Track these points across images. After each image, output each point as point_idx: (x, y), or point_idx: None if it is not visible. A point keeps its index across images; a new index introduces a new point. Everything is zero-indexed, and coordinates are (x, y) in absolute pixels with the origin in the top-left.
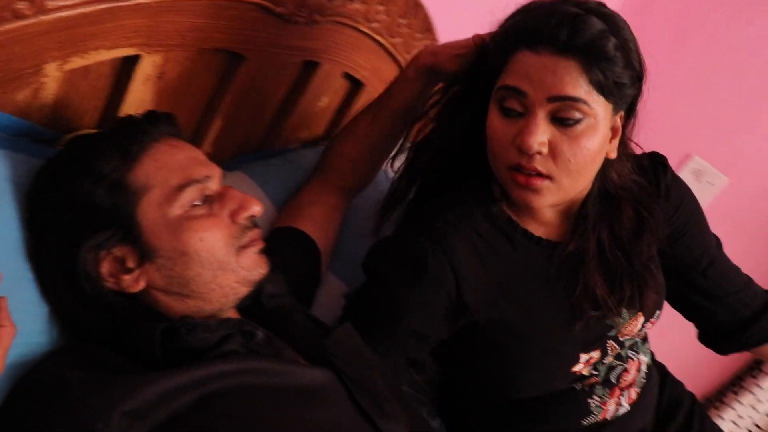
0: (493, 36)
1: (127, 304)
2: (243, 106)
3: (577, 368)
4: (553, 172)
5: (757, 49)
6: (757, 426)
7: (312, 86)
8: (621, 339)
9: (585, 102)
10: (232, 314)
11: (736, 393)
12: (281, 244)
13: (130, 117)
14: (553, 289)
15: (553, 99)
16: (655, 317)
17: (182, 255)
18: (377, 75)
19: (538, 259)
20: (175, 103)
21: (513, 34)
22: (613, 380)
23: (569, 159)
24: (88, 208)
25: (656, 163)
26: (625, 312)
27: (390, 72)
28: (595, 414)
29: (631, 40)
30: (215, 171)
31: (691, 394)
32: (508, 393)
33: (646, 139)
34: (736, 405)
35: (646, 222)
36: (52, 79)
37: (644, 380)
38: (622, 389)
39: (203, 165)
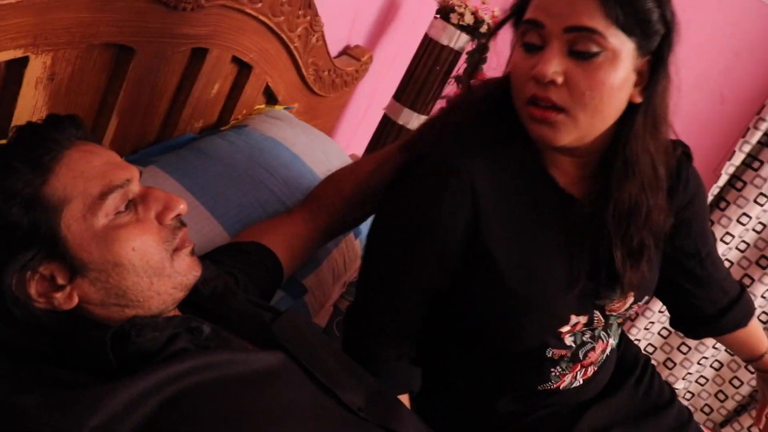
0: None
1: (62, 321)
2: (137, 100)
3: (564, 329)
4: (568, 104)
5: None
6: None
7: (203, 74)
8: (607, 313)
9: (601, 34)
10: (174, 313)
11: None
12: (250, 257)
13: (32, 125)
14: (564, 243)
15: (569, 29)
16: (643, 301)
17: (115, 266)
18: (264, 56)
19: (556, 209)
20: (69, 104)
21: None
22: (580, 356)
23: (584, 91)
24: (4, 229)
25: (683, 152)
26: (617, 289)
27: (275, 52)
28: (552, 382)
29: None
30: (134, 172)
31: (646, 356)
32: (499, 340)
33: None
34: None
35: (650, 209)
36: None
37: (603, 359)
38: (583, 366)
39: (122, 168)
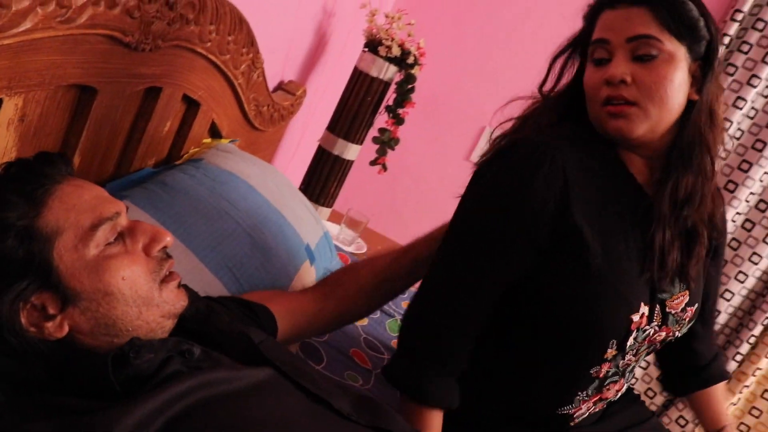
0: (584, 14)
1: (54, 350)
2: (98, 140)
3: (635, 318)
4: (639, 98)
5: (524, 21)
6: None
7: (157, 112)
8: (667, 310)
9: (657, 39)
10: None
11: None
12: (252, 312)
13: (23, 161)
14: (638, 236)
15: (630, 39)
16: (696, 305)
17: (105, 295)
18: (211, 93)
19: (632, 203)
20: (36, 146)
21: (596, 2)
22: (603, 387)
23: (651, 86)
24: (1, 260)
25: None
26: (677, 283)
27: (221, 89)
28: (572, 406)
29: (696, 1)
30: (121, 206)
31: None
32: (573, 326)
33: (448, 118)
34: None
35: (704, 196)
36: None
37: (613, 401)
38: (601, 399)
39: (110, 202)
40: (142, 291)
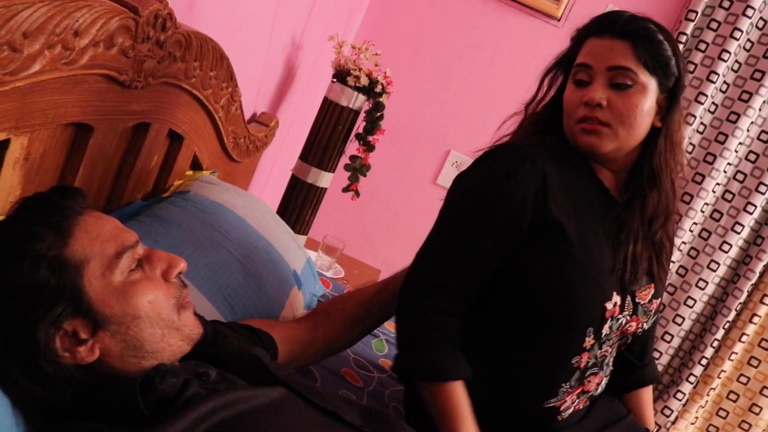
0: (572, 36)
1: (84, 375)
2: (92, 176)
3: (609, 306)
4: (611, 121)
5: (482, 47)
6: None
7: (145, 147)
8: (637, 300)
9: (633, 71)
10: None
11: None
12: (257, 336)
13: (43, 195)
14: (606, 233)
15: (610, 68)
16: (659, 300)
17: (134, 318)
18: (193, 127)
19: (603, 206)
20: (37, 183)
21: (584, 29)
22: (584, 378)
23: (622, 111)
24: (34, 290)
25: None
26: (643, 277)
27: (202, 122)
28: (557, 398)
29: (671, 41)
30: (136, 236)
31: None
32: (552, 313)
33: (413, 143)
34: None
35: (669, 213)
36: None
37: (595, 395)
38: (583, 391)
39: (128, 232)
40: (164, 314)
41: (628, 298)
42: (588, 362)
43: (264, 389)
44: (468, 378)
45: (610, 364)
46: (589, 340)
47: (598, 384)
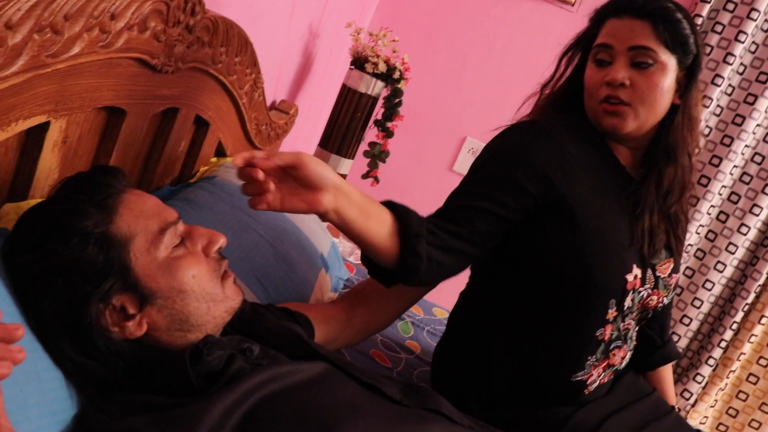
0: (590, 16)
1: (135, 348)
2: (124, 160)
3: (630, 278)
4: (633, 100)
5: (496, 34)
6: None
7: (174, 132)
8: (657, 274)
9: (654, 51)
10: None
11: None
12: (294, 318)
13: (85, 175)
14: (626, 211)
15: (631, 48)
16: (678, 274)
17: (180, 293)
18: (218, 113)
19: (620, 184)
20: (74, 166)
21: (603, 9)
22: (609, 351)
23: (644, 90)
24: (82, 267)
25: None
26: (663, 251)
27: (227, 109)
28: (584, 372)
29: (689, 19)
30: (177, 214)
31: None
32: (575, 282)
33: (430, 130)
34: None
35: (685, 187)
36: None
37: (620, 368)
38: (609, 365)
39: (169, 209)
40: (208, 287)
41: (649, 271)
42: (612, 335)
43: (307, 364)
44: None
45: (633, 338)
46: (612, 312)
47: (623, 357)
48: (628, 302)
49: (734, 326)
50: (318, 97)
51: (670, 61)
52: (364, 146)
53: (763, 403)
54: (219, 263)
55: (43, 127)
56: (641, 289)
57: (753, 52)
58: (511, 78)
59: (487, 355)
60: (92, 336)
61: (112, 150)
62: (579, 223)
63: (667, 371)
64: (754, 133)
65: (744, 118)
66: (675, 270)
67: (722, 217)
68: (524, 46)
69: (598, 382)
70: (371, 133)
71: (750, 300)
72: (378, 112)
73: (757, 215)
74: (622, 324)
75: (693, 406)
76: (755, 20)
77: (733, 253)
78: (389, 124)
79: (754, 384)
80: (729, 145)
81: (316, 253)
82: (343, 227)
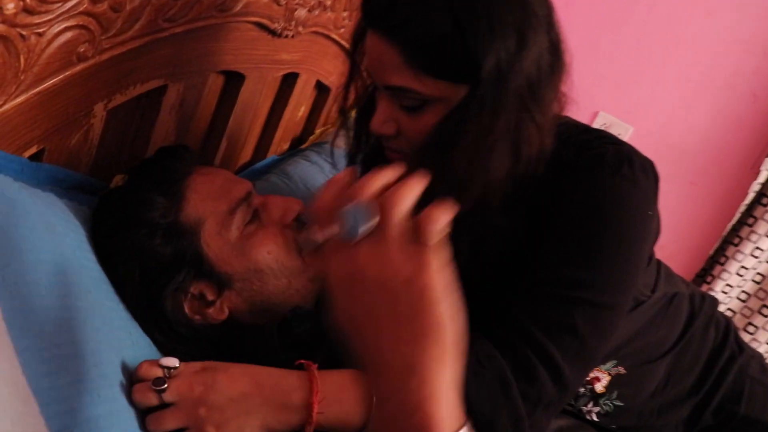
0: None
1: (222, 331)
2: (241, 124)
3: None
4: (409, 149)
5: (634, 2)
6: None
7: (293, 97)
8: None
9: (416, 91)
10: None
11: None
12: None
13: (151, 160)
14: None
15: (387, 87)
16: None
17: (256, 272)
18: (340, 80)
19: None
20: (191, 129)
21: (362, 7)
22: None
23: (416, 139)
24: (154, 258)
25: None
26: None
27: None
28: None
29: (471, 17)
30: (249, 185)
31: None
32: None
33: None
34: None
35: None
36: (98, 119)
37: None
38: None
39: (239, 183)
40: (286, 261)
41: None
42: None
43: None
44: None
45: None
46: None
47: None
48: None
49: None
50: None
51: (450, 92)
52: None
53: None
54: (298, 232)
55: (160, 91)
56: None
57: None
58: (651, 51)
59: None
60: (174, 326)
61: (229, 114)
62: None
63: None
64: None
65: None
66: None
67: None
68: (667, 15)
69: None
70: None
71: None
72: None
73: None
74: None
75: None
76: None
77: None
78: None
79: None
80: None
81: None
82: None
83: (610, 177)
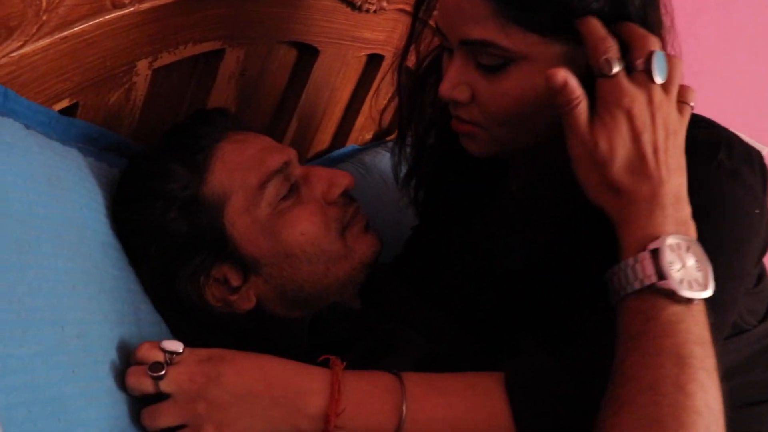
0: None
1: (245, 322)
2: (315, 105)
3: None
4: (481, 119)
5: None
6: None
7: (378, 82)
8: None
9: (499, 46)
10: (355, 303)
11: None
12: None
13: (181, 125)
14: None
15: (463, 42)
16: None
17: (287, 257)
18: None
19: None
20: (255, 103)
21: None
22: None
23: (490, 106)
24: (167, 237)
25: None
26: None
27: None
28: None
29: None
30: (291, 154)
31: None
32: None
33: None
34: None
35: None
36: (142, 78)
37: None
38: None
39: (277, 151)
40: (324, 245)
41: None
42: None
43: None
44: None
45: None
46: None
47: None
48: None
49: None
50: None
51: (538, 51)
52: None
53: None
54: (344, 210)
55: (218, 55)
56: None
57: None
58: None
59: None
60: (192, 314)
61: (301, 91)
62: None
63: None
64: None
65: None
66: None
67: None
68: None
69: None
70: None
71: None
72: None
73: None
74: None
75: None
76: None
77: None
78: None
79: None
80: None
81: None
82: None
83: (702, 166)
